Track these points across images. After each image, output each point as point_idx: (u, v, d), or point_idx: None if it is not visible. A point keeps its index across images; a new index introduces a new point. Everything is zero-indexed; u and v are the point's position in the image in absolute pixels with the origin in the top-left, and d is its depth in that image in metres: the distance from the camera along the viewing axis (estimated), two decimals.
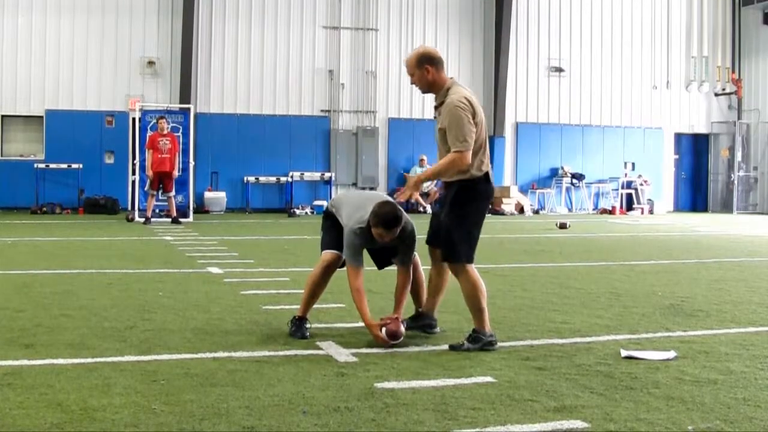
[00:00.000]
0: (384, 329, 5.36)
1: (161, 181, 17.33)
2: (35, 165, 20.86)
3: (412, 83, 5.59)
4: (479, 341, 5.30)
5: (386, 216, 5.38)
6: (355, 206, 5.64)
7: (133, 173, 18.52)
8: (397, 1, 23.67)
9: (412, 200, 18.61)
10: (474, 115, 5.31)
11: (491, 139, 24.10)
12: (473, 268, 5.44)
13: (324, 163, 23.08)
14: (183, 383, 4.39)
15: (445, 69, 5.52)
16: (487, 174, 5.47)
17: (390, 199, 5.75)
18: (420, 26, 23.83)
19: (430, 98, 21.92)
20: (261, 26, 22.68)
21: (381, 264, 5.90)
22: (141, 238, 13.83)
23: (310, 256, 9.18)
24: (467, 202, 5.41)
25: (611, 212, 24.62)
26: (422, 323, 5.80)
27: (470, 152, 5.24)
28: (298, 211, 21.49)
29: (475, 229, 5.46)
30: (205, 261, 10.18)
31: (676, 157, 26.91)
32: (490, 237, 15.15)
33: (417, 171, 22.79)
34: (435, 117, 5.54)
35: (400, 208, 5.53)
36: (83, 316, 6.33)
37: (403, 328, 5.44)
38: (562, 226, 17.23)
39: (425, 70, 5.44)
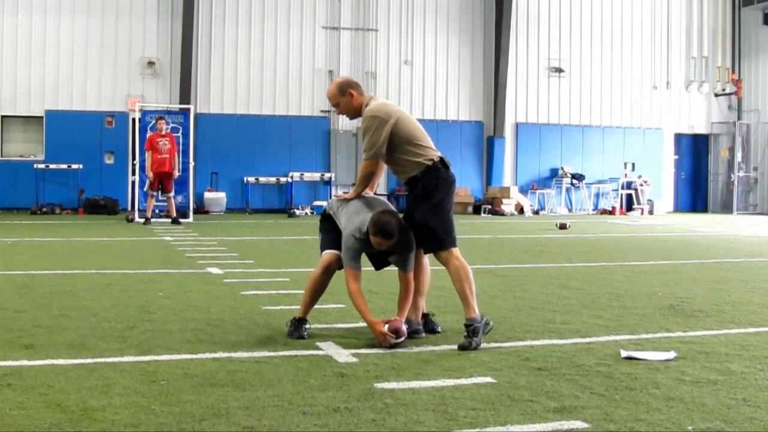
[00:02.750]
0: (387, 325, 5.37)
1: (161, 181, 17.34)
2: (35, 165, 20.86)
3: (338, 113, 5.89)
4: (478, 330, 5.35)
5: (385, 225, 5.40)
6: (354, 211, 5.64)
7: (133, 174, 18.51)
8: (397, 1, 23.68)
9: None
10: (388, 117, 5.53)
11: (491, 139, 24.16)
12: (459, 253, 5.55)
13: (324, 163, 23.09)
14: (183, 384, 4.39)
15: (363, 90, 5.82)
16: (442, 160, 5.65)
17: (389, 206, 5.76)
18: (420, 26, 23.84)
19: (429, 99, 21.99)
20: (261, 27, 22.69)
21: (378, 265, 5.92)
22: (141, 238, 13.84)
23: (310, 257, 9.19)
24: (434, 190, 5.57)
25: (611, 213, 24.62)
26: (428, 328, 5.80)
27: (376, 159, 5.59)
28: (297, 212, 21.49)
29: (449, 214, 5.63)
30: (205, 261, 10.18)
31: (676, 157, 26.91)
32: (491, 237, 15.15)
33: None
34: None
35: (399, 216, 5.55)
36: (83, 316, 6.33)
37: (405, 328, 5.44)
38: (562, 227, 17.23)
39: (349, 95, 5.70)
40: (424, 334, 5.76)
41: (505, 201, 23.31)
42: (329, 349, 5.28)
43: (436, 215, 5.54)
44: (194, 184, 19.70)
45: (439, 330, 5.87)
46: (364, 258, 5.71)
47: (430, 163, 5.59)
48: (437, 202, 5.56)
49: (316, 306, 5.91)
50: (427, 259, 5.85)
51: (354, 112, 5.76)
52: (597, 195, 25.45)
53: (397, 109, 5.70)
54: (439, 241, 5.55)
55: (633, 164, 25.67)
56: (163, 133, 17.50)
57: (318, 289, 5.78)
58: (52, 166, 20.93)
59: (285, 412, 3.91)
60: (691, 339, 5.84)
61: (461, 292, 5.49)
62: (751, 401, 4.23)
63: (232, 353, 5.13)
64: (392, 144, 5.57)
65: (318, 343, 5.42)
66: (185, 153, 18.65)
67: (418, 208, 5.61)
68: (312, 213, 21.70)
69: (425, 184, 5.58)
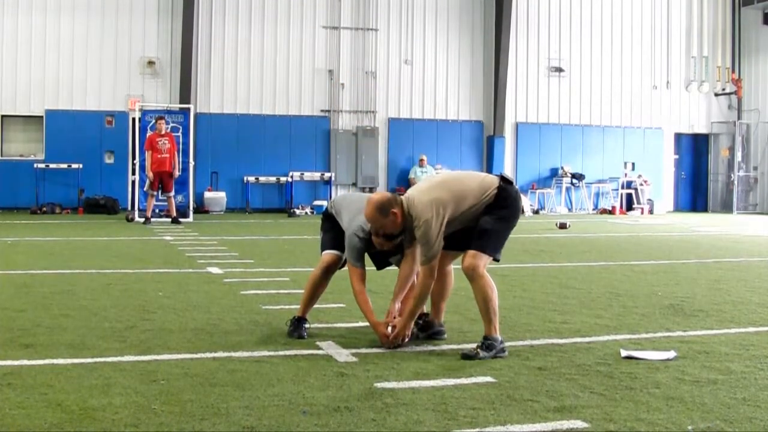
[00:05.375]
0: (390, 327, 5.36)
1: (161, 181, 17.35)
2: (35, 165, 20.85)
3: (381, 234, 5.31)
4: (492, 348, 5.17)
5: None
6: (356, 210, 5.62)
7: (133, 173, 18.52)
8: (397, 1, 23.66)
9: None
10: (436, 212, 5.17)
11: (491, 139, 24.17)
12: (485, 270, 5.34)
13: (324, 163, 23.08)
14: (183, 383, 4.39)
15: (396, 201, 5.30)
16: (503, 178, 5.46)
17: None
18: (420, 26, 23.83)
19: (430, 98, 21.95)
20: (261, 26, 22.68)
21: (380, 265, 5.90)
22: (141, 238, 13.84)
23: (310, 256, 9.19)
24: (504, 205, 5.38)
25: (611, 212, 24.62)
26: (432, 332, 5.76)
27: (432, 265, 5.23)
28: (297, 211, 21.48)
29: (508, 231, 5.44)
30: (205, 261, 10.18)
31: (676, 157, 26.91)
32: None
33: (417, 171, 22.80)
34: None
35: None
36: (83, 316, 6.33)
37: (408, 330, 5.43)
38: (562, 226, 17.23)
39: (392, 215, 5.22)
40: (446, 336, 5.74)
41: None
42: (329, 348, 5.28)
43: (497, 224, 5.33)
44: (194, 184, 19.70)
45: (446, 336, 5.85)
46: (366, 258, 5.70)
47: (496, 191, 5.36)
48: (503, 215, 5.38)
49: (316, 305, 5.91)
50: (452, 266, 5.75)
51: (399, 230, 5.32)
52: (597, 195, 25.44)
53: (432, 188, 5.35)
54: (487, 242, 5.29)
55: (633, 164, 25.66)
56: (163, 132, 17.51)
57: (318, 289, 5.78)
58: (52, 166, 20.92)
59: (285, 412, 3.91)
60: (691, 339, 5.84)
61: (485, 310, 5.27)
62: (751, 401, 4.23)
63: (232, 353, 5.13)
64: (454, 211, 5.28)
65: (318, 343, 5.42)
66: (185, 153, 18.65)
67: (482, 215, 5.36)
68: (312, 213, 21.70)
69: (496, 202, 5.36)
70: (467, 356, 5.12)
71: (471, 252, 5.28)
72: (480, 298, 5.28)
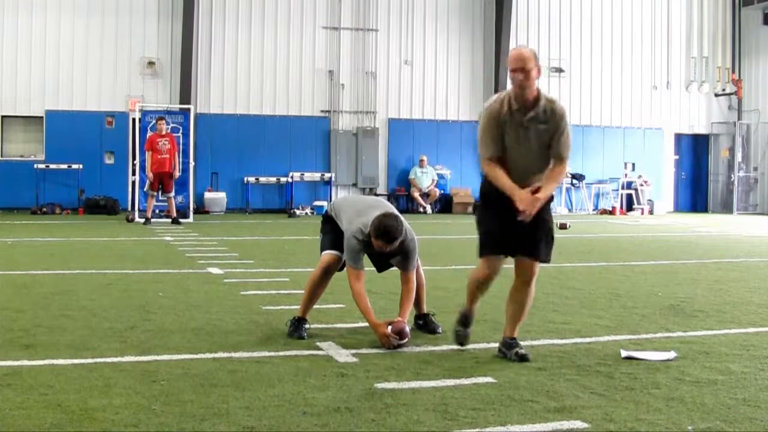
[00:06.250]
0: (390, 327, 5.36)
1: (161, 181, 17.36)
2: (35, 165, 20.85)
3: (518, 82, 5.09)
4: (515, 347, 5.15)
5: (387, 229, 5.38)
6: (356, 212, 5.63)
7: (133, 174, 18.52)
8: (397, 1, 23.66)
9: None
10: None
11: None
12: None
13: (324, 163, 23.08)
14: (183, 383, 4.39)
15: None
16: None
17: (392, 208, 5.73)
18: (420, 26, 23.82)
19: (430, 99, 21.85)
20: (261, 27, 22.68)
21: (380, 268, 5.90)
22: (141, 238, 13.84)
23: (310, 257, 9.18)
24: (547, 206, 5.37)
25: (611, 213, 24.61)
26: (429, 328, 5.78)
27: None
28: (298, 212, 21.48)
29: None
30: (205, 261, 10.18)
31: (676, 157, 26.91)
32: None
33: (417, 172, 22.80)
34: (527, 123, 5.24)
35: (401, 218, 5.52)
36: (83, 316, 6.33)
37: (408, 329, 5.43)
38: (563, 227, 17.21)
39: (538, 70, 5.16)
40: (440, 330, 5.74)
41: None
42: (329, 349, 5.28)
43: (551, 229, 5.38)
44: (194, 184, 19.69)
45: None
46: (366, 259, 5.69)
47: None
48: (550, 216, 5.46)
49: (316, 306, 5.91)
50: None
51: (529, 91, 5.12)
52: (597, 195, 25.43)
53: None
54: (549, 253, 5.38)
55: (633, 164, 25.65)
56: (163, 133, 17.51)
57: (317, 290, 5.78)
58: (52, 166, 20.91)
59: (285, 412, 3.91)
60: (691, 339, 5.84)
61: (522, 314, 5.25)
62: (751, 401, 4.23)
63: (232, 353, 5.13)
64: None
65: (318, 343, 5.42)
66: (185, 153, 18.64)
67: (542, 212, 5.34)
68: (312, 213, 21.69)
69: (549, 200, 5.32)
70: (525, 358, 5.04)
71: (541, 259, 5.32)
72: (527, 302, 5.26)
